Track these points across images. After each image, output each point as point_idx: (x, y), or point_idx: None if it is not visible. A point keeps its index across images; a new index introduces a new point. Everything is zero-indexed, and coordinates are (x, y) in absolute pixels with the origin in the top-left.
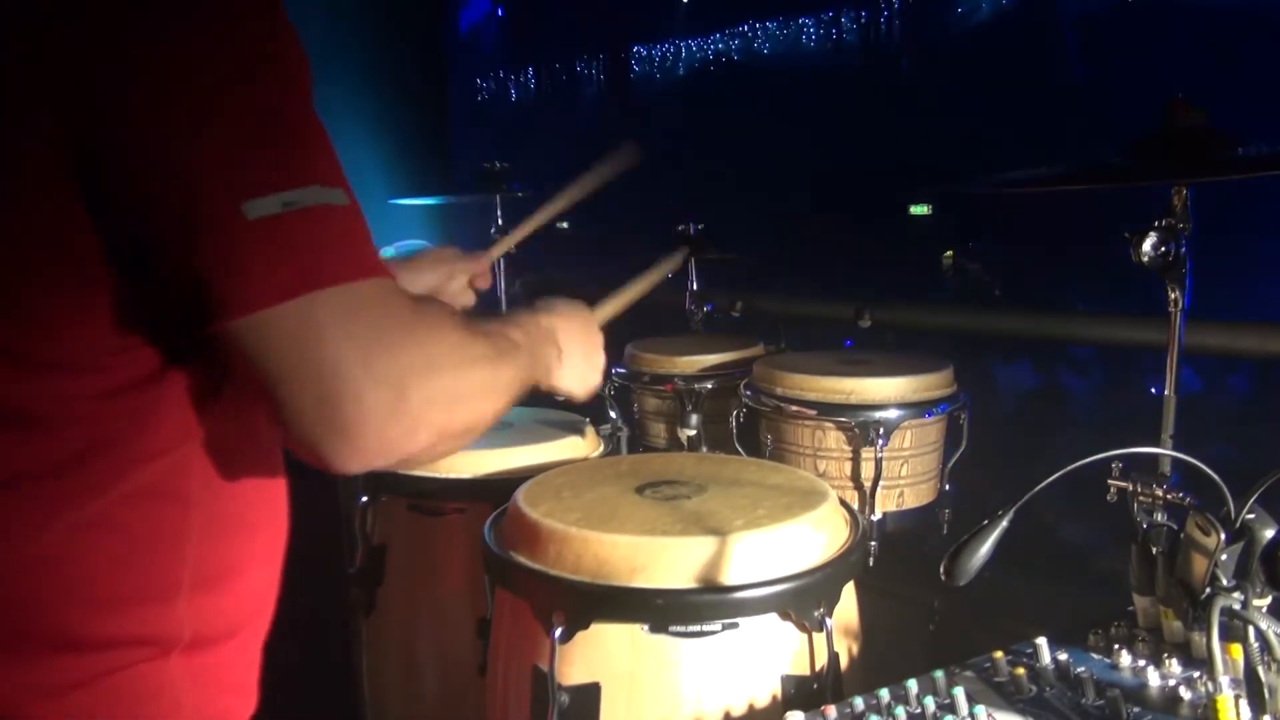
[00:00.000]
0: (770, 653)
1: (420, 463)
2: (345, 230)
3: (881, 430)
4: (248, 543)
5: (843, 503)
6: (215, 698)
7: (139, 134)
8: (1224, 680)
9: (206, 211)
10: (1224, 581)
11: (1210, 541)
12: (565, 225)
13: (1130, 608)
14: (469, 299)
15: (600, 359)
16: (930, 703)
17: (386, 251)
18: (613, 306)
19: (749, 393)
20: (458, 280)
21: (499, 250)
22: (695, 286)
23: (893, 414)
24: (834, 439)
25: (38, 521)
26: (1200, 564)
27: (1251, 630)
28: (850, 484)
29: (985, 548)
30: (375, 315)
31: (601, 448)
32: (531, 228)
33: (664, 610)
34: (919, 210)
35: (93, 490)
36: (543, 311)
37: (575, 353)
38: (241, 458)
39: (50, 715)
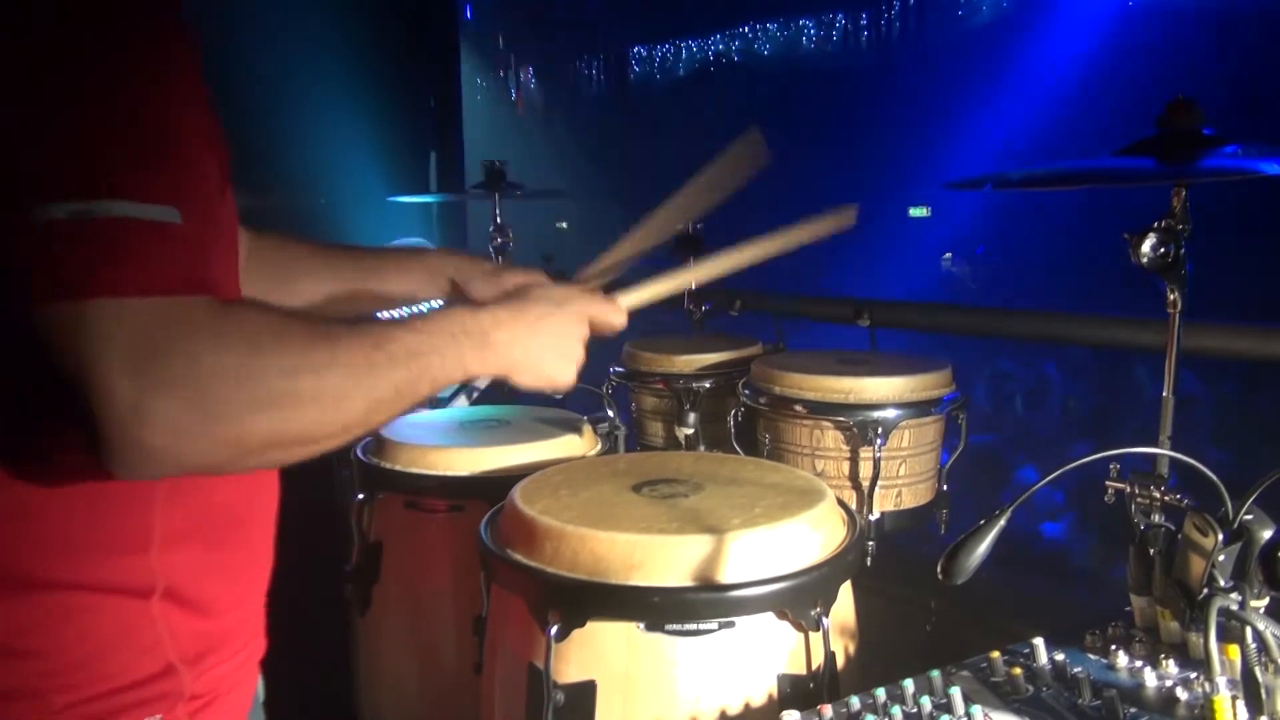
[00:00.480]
0: (767, 652)
1: (233, 470)
2: (142, 246)
3: (880, 430)
4: (219, 500)
5: (840, 502)
6: (198, 640)
7: None
8: (1221, 680)
9: (3, 208)
10: (1221, 582)
11: (1208, 542)
12: (564, 225)
13: (1127, 608)
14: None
15: (570, 350)
16: (927, 702)
17: None
18: (642, 294)
19: (747, 392)
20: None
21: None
22: (694, 285)
23: (891, 414)
24: (832, 438)
25: (10, 476)
26: (1198, 564)
27: (1249, 631)
28: (848, 483)
29: (983, 547)
30: (153, 327)
31: (599, 446)
32: (636, 247)
33: (660, 609)
34: (918, 212)
35: (60, 452)
36: (500, 303)
37: (523, 348)
38: None
39: (20, 647)
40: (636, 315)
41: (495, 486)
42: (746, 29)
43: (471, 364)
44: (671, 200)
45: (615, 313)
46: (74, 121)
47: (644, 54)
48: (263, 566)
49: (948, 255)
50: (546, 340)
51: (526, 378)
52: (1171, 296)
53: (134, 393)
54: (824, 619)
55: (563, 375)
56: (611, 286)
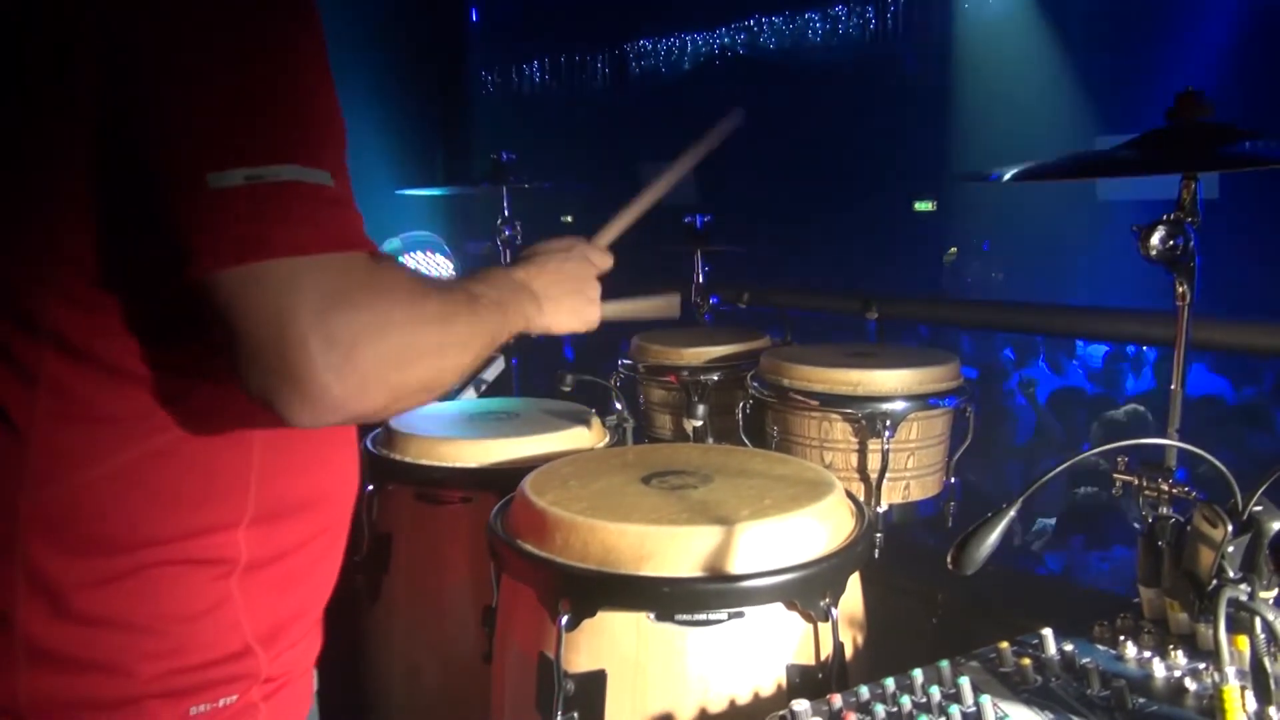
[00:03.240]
0: (776, 642)
1: (378, 418)
2: (311, 207)
3: (888, 422)
4: (312, 479)
5: (849, 494)
6: (272, 618)
7: (144, 100)
8: (1230, 671)
9: (178, 176)
10: (1231, 573)
11: (1217, 534)
12: (570, 219)
13: (1136, 599)
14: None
15: (588, 291)
16: (936, 692)
17: (392, 243)
18: (616, 228)
19: (755, 384)
20: None
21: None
22: (702, 279)
23: (899, 406)
24: (840, 431)
25: (111, 448)
26: (1207, 556)
27: (1258, 621)
28: (856, 476)
29: (993, 538)
30: (327, 281)
31: (607, 438)
32: (643, 207)
33: (670, 599)
34: (923, 206)
35: (161, 428)
36: (519, 264)
37: (556, 295)
38: None
39: (101, 616)
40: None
41: (505, 478)
42: (751, 22)
43: (531, 314)
44: (662, 175)
45: (603, 254)
46: (239, 92)
47: (649, 48)
48: (338, 550)
49: (952, 250)
50: (571, 285)
51: (566, 321)
52: (1180, 289)
53: (326, 344)
54: (833, 610)
55: (594, 313)
56: None
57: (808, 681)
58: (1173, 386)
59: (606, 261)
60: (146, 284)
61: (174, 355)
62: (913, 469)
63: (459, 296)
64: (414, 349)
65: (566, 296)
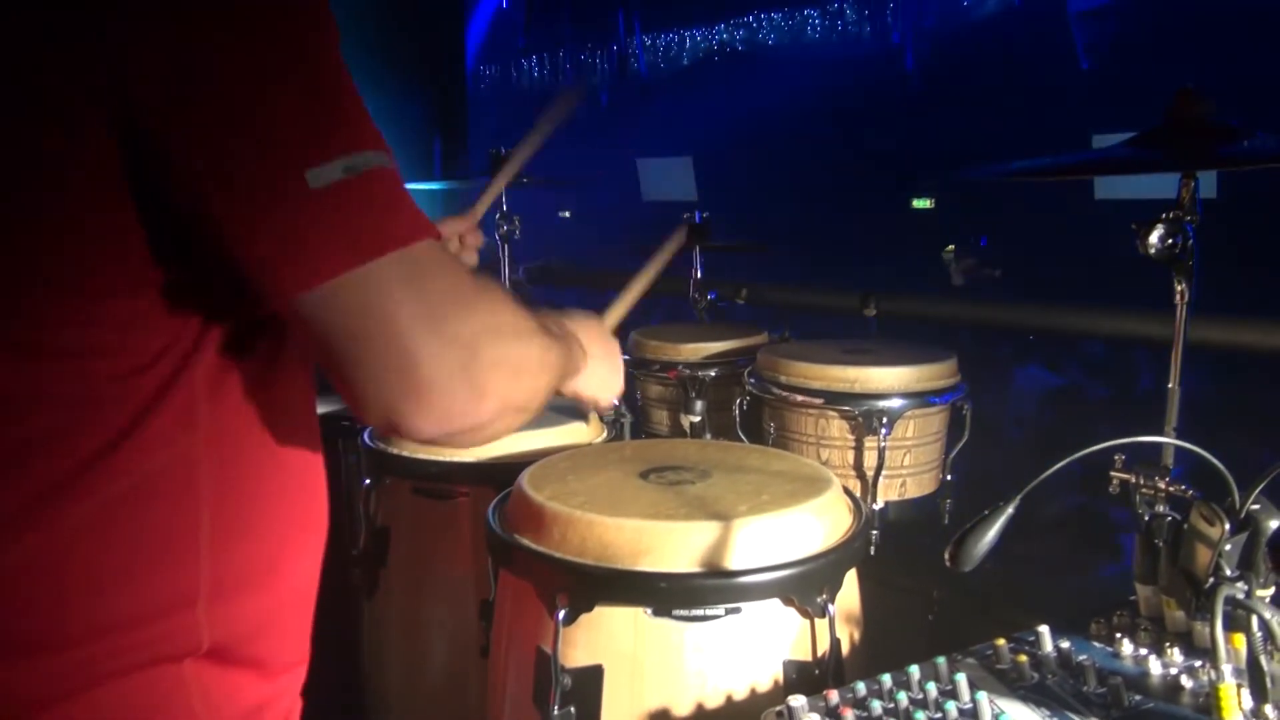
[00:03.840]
0: (773, 637)
1: (483, 438)
2: (399, 192)
3: (885, 419)
4: (274, 547)
5: (846, 490)
6: (236, 703)
7: (192, 115)
8: (1227, 669)
9: (266, 184)
10: (1228, 571)
11: (1214, 532)
12: (567, 214)
13: (1132, 597)
14: (472, 260)
15: (619, 365)
16: (932, 688)
17: None
18: (621, 307)
19: (753, 380)
20: (451, 243)
21: (482, 206)
22: (699, 275)
23: (896, 403)
24: (837, 427)
25: (44, 512)
26: (1204, 554)
27: (1255, 620)
28: (853, 472)
29: (990, 534)
30: (440, 277)
31: (604, 434)
32: (503, 181)
33: (667, 594)
34: (921, 204)
35: (101, 478)
36: (564, 315)
37: (597, 356)
38: (263, 455)
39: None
40: (641, 304)
41: (502, 473)
42: (750, 18)
43: (581, 367)
44: (516, 151)
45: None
46: (301, 85)
47: (648, 42)
48: (308, 612)
49: (950, 248)
50: (608, 358)
51: (596, 387)
52: (1179, 288)
53: (448, 345)
54: (830, 606)
55: (617, 389)
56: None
57: (804, 677)
58: (1170, 385)
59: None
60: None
61: (103, 390)
62: (909, 466)
63: (544, 322)
64: (524, 359)
65: (602, 367)
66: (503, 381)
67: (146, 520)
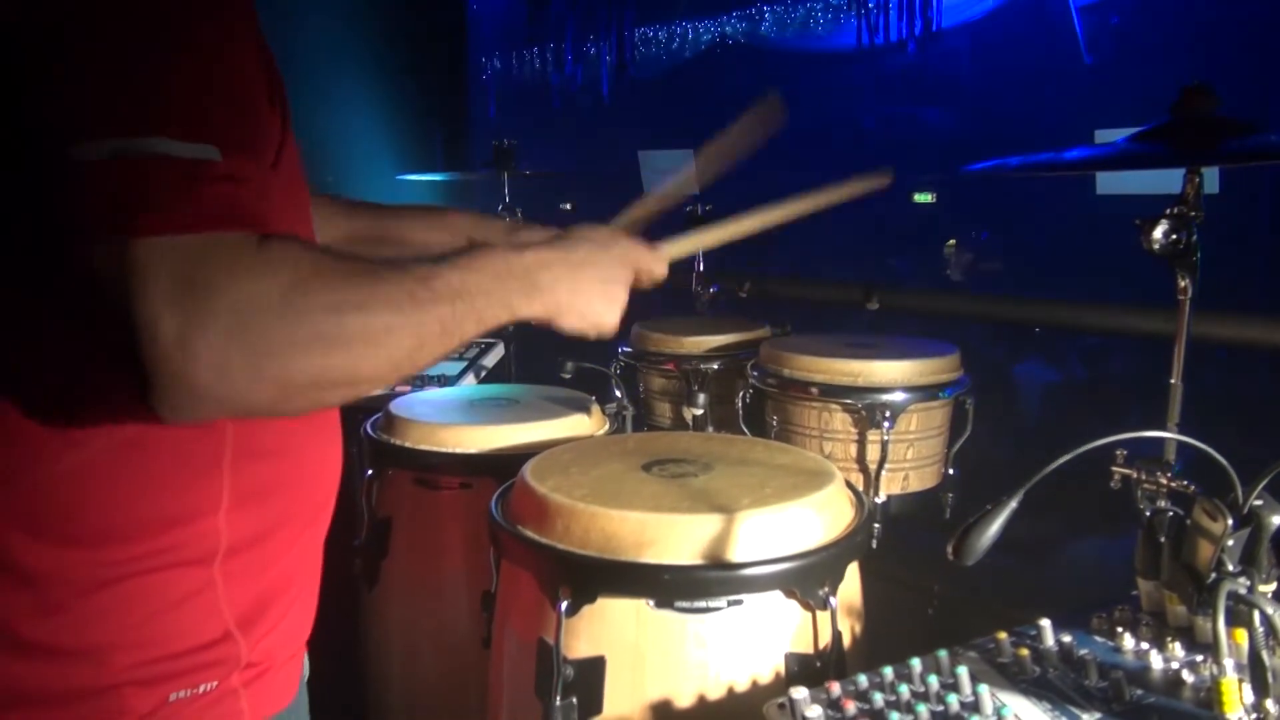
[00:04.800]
0: (774, 630)
1: (279, 411)
2: (183, 184)
3: (888, 413)
4: (288, 462)
5: (848, 484)
6: (252, 604)
7: (19, 70)
8: (1228, 664)
9: (41, 148)
10: (1230, 566)
11: (1217, 527)
12: (569, 206)
13: (1134, 592)
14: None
15: (615, 294)
16: (934, 681)
17: None
18: (689, 243)
19: (756, 373)
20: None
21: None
22: (702, 268)
23: (899, 397)
24: (840, 421)
25: (80, 436)
26: (1206, 549)
27: (1257, 615)
28: (855, 466)
29: (995, 528)
30: (194, 265)
31: (607, 426)
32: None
33: (670, 586)
34: (923, 198)
35: (129, 413)
36: (545, 244)
37: (565, 289)
38: None
39: (78, 609)
40: (643, 297)
41: (505, 464)
42: (753, 10)
43: (518, 305)
44: (696, 159)
45: (658, 261)
46: (113, 60)
47: (650, 34)
48: (317, 532)
49: (951, 242)
50: (592, 282)
51: (570, 320)
52: (1182, 283)
53: (178, 328)
54: (832, 598)
55: (607, 319)
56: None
57: (806, 670)
58: (1172, 380)
59: (658, 269)
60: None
61: None
62: (912, 460)
63: (397, 280)
64: (295, 337)
65: (582, 294)
66: (262, 362)
67: (180, 440)
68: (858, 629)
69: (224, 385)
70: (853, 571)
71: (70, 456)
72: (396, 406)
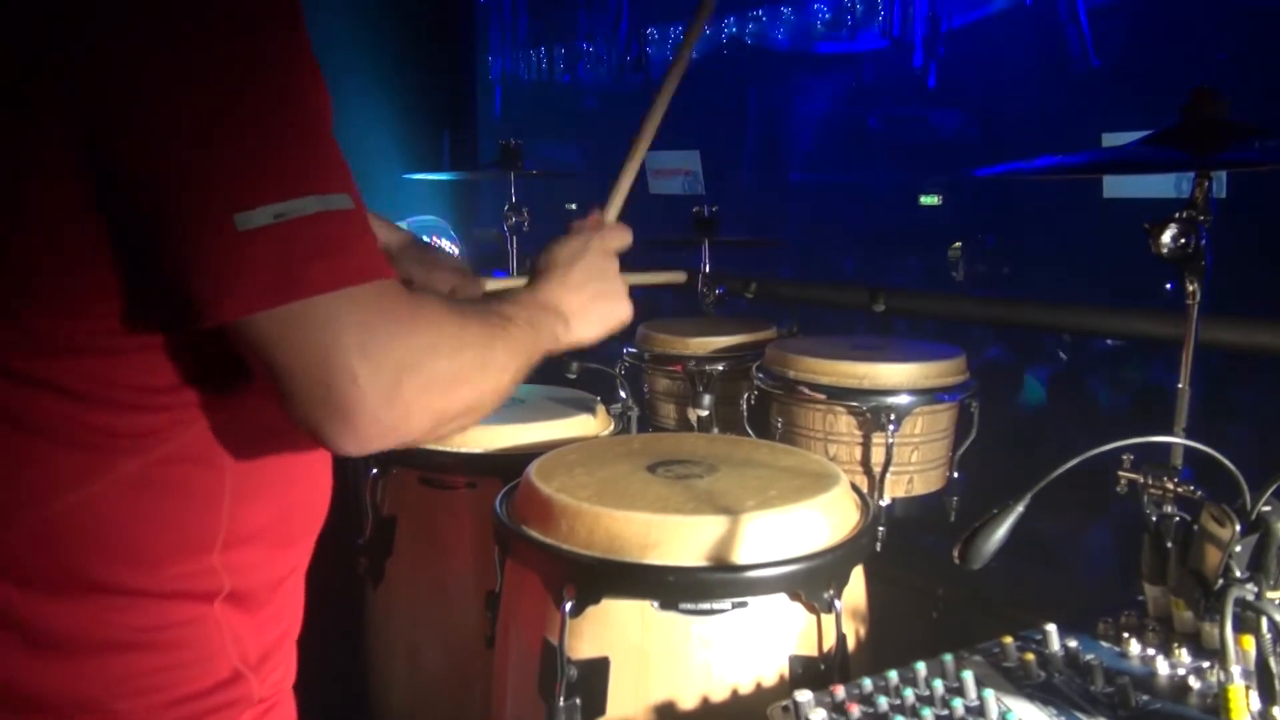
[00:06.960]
0: (779, 632)
1: (423, 443)
2: (340, 237)
3: (893, 416)
4: (285, 501)
5: (853, 486)
6: (259, 643)
7: (141, 139)
8: (1235, 670)
9: (198, 221)
10: (1238, 573)
11: (1224, 533)
12: (574, 206)
13: (1140, 597)
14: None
15: (616, 287)
16: (939, 685)
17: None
18: (619, 195)
19: (761, 375)
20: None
21: (618, 204)
22: (708, 269)
23: (905, 400)
24: (845, 423)
25: (81, 477)
26: (1213, 555)
27: (1264, 621)
28: (860, 469)
29: (1001, 532)
30: (369, 313)
31: (612, 426)
32: (636, 162)
33: (675, 587)
34: (929, 200)
35: (132, 453)
36: (540, 281)
37: (582, 307)
38: (276, 424)
39: (82, 654)
40: (650, 298)
41: (510, 464)
42: (760, 12)
43: (560, 333)
44: (647, 118)
45: (618, 232)
46: (244, 126)
47: (657, 35)
48: (305, 556)
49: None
50: (595, 292)
51: (595, 331)
52: (1190, 288)
53: (372, 376)
54: (836, 601)
55: (623, 311)
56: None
57: (810, 672)
58: (1180, 385)
59: (624, 239)
60: (133, 319)
61: (144, 381)
62: (917, 463)
63: (494, 320)
64: (457, 374)
65: (593, 305)
66: (433, 400)
67: (180, 479)
68: (862, 632)
69: (406, 422)
70: (857, 574)
71: (65, 497)
72: None
